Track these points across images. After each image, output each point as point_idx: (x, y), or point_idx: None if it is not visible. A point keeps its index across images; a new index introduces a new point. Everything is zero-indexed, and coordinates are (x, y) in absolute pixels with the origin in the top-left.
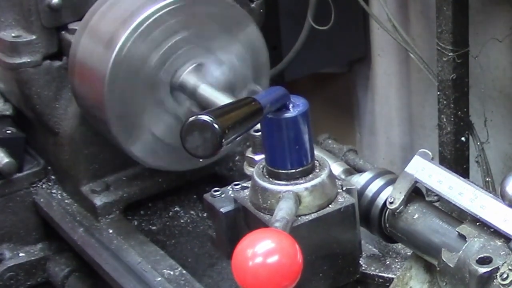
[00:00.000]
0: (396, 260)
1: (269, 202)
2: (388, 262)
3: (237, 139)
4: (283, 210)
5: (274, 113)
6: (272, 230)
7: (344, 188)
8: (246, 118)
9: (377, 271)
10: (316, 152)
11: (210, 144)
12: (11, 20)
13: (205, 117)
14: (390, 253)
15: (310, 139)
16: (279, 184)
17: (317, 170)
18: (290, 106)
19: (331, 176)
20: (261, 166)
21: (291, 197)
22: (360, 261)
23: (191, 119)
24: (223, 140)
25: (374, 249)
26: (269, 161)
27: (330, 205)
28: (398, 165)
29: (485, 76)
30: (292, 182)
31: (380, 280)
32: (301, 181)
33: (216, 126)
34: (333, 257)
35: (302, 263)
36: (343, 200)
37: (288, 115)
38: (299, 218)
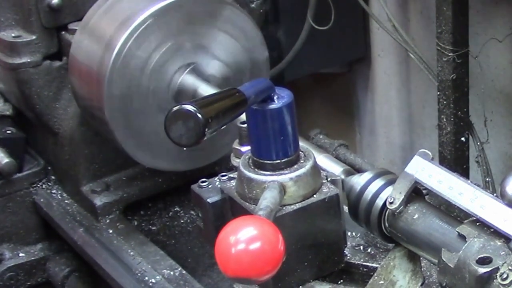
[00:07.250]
0: (381, 250)
1: (254, 192)
2: (372, 252)
3: (222, 128)
4: (267, 199)
5: (259, 105)
6: (254, 217)
7: (328, 179)
8: (230, 108)
9: (361, 260)
10: (301, 143)
11: (194, 133)
12: (11, 20)
13: (189, 107)
14: (378, 245)
15: (295, 130)
16: (264, 175)
17: (302, 161)
18: (275, 97)
19: (315, 166)
20: (247, 157)
21: (276, 187)
22: (345, 251)
23: (175, 108)
24: (206, 129)
25: (359, 239)
26: (254, 152)
27: (314, 195)
28: (398, 165)
29: (485, 76)
30: (277, 172)
31: (365, 270)
32: (286, 172)
33: (199, 115)
34: (318, 247)
35: (284, 250)
36: (328, 190)
37: (273, 106)
38: (284, 208)
